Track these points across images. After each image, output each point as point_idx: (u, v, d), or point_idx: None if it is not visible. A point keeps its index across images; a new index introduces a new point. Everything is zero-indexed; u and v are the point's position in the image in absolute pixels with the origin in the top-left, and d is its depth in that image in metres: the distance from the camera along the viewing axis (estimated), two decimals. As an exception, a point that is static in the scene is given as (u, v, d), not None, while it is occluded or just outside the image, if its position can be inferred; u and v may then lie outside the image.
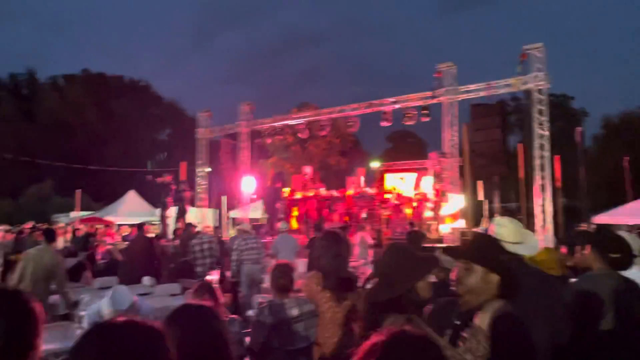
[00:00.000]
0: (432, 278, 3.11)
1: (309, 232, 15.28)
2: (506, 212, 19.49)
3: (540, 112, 13.75)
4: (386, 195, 17.64)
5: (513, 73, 14.16)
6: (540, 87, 13.77)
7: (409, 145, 45.61)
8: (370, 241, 11.80)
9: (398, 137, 50.03)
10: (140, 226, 9.91)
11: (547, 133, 13.70)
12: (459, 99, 15.17)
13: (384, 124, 16.55)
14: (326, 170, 35.56)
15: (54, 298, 6.35)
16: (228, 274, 8.86)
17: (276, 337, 3.10)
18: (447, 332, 2.09)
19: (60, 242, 13.58)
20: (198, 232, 10.40)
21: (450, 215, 15.04)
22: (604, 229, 8.86)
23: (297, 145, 33.97)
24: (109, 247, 11.92)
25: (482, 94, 14.81)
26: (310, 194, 18.19)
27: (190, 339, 1.33)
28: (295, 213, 18.61)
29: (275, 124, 19.27)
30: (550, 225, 13.33)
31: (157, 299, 6.48)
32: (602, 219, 14.40)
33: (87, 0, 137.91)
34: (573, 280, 3.79)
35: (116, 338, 1.03)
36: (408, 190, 18.89)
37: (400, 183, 20.37)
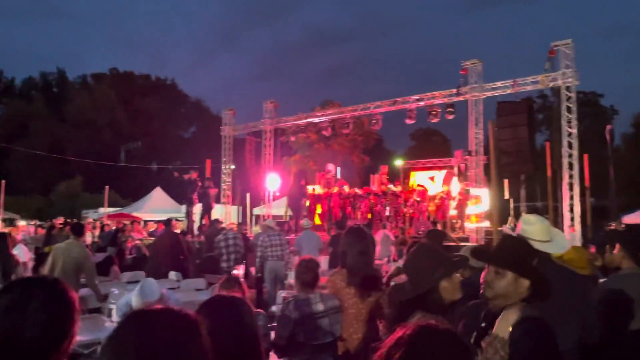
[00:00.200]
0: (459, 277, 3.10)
1: (330, 229, 15.30)
2: (532, 211, 19.16)
3: (569, 110, 13.49)
4: (411, 194, 17.53)
5: (540, 70, 13.93)
6: (568, 85, 13.50)
7: (433, 143, 45.22)
8: (393, 239, 11.77)
9: (422, 135, 49.67)
10: (167, 222, 10.05)
11: (575, 131, 13.43)
12: (485, 97, 14.98)
13: (409, 121, 16.45)
14: (349, 168, 35.49)
15: (84, 291, 6.51)
16: (252, 269, 8.96)
17: (301, 331, 3.13)
18: (474, 334, 2.07)
19: (89, 238, 13.91)
20: (223, 229, 10.53)
21: (475, 214, 14.87)
22: (634, 228, 8.66)
23: (321, 143, 33.97)
24: (137, 242, 12.14)
25: (508, 91, 14.59)
26: (335, 190, 18.19)
27: (221, 329, 1.36)
28: (318, 210, 18.64)
29: (299, 121, 19.32)
30: (578, 225, 13.08)
31: (183, 293, 6.60)
32: (631, 218, 14.07)
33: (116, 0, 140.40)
34: (602, 280, 3.74)
35: (154, 324, 1.06)
36: (434, 189, 18.72)
37: (430, 183, 20.15)
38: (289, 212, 19.73)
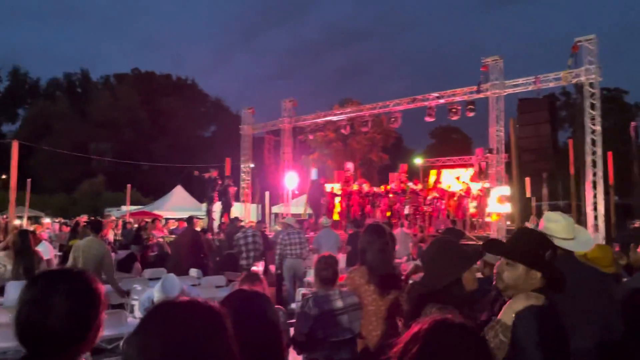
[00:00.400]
0: (478, 274, 3.09)
1: (347, 228, 15.28)
2: (555, 210, 18.86)
3: (592, 107, 13.24)
4: (430, 192, 17.42)
5: (563, 66, 13.69)
6: (591, 81, 13.25)
7: (453, 141, 44.83)
8: (413, 237, 11.71)
9: (442, 133, 49.28)
10: (189, 220, 10.14)
11: (599, 128, 13.18)
12: (506, 94, 14.80)
13: (428, 119, 16.34)
14: (368, 166, 35.42)
15: (106, 287, 6.61)
16: (272, 267, 9.01)
17: (320, 328, 3.14)
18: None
19: (111, 235, 14.13)
20: (242, 227, 10.60)
21: (496, 212, 14.71)
22: (661, 227, 8.47)
23: (339, 141, 33.98)
24: (160, 240, 12.30)
25: (530, 88, 14.38)
26: (355, 187, 18.18)
27: (244, 322, 1.37)
28: (337, 209, 18.65)
29: (318, 120, 19.35)
30: (602, 224, 12.84)
31: (203, 290, 6.66)
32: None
33: (138, 1, 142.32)
34: (626, 279, 3.67)
35: (180, 315, 1.07)
36: (454, 187, 18.54)
37: (455, 182, 19.90)
38: (309, 210, 19.78)
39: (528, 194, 18.81)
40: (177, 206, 26.30)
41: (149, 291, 3.33)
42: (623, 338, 2.61)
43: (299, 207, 21.51)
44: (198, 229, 11.96)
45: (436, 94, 16.16)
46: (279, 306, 4.00)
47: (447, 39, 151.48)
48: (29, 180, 20.28)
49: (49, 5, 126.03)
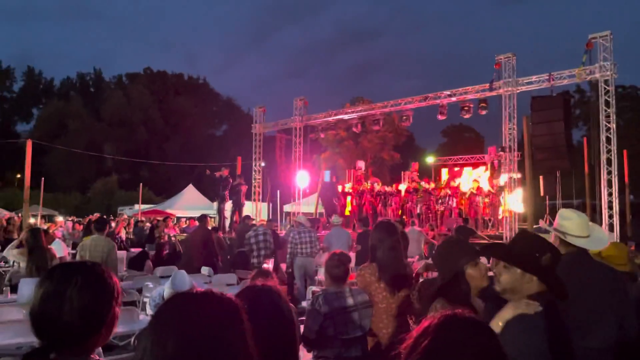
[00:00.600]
0: (491, 273, 3.06)
1: (356, 227, 15.25)
2: (569, 208, 18.67)
3: (607, 104, 13.06)
4: (444, 189, 17.34)
5: (577, 63, 13.51)
6: (606, 78, 13.06)
7: (465, 140, 44.61)
8: (425, 236, 11.65)
9: (454, 131, 49.06)
10: (201, 218, 10.18)
11: (614, 126, 13.00)
12: (519, 91, 14.65)
13: (440, 117, 16.23)
14: (379, 164, 35.35)
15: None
16: (283, 265, 9.02)
17: (330, 325, 3.13)
18: None
19: (123, 233, 14.26)
20: (253, 225, 10.62)
21: (509, 210, 14.58)
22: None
23: (350, 140, 33.94)
24: (173, 238, 12.38)
25: (543, 85, 14.22)
26: (367, 185, 18.16)
27: (259, 315, 1.36)
28: (349, 207, 18.65)
29: (329, 118, 19.33)
30: (616, 223, 12.68)
31: (214, 288, 6.68)
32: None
33: (150, 0, 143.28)
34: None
35: (196, 306, 1.07)
36: (467, 185, 18.42)
37: (469, 181, 19.74)
38: (320, 209, 19.78)
39: (542, 193, 18.62)
40: (188, 205, 26.50)
41: (159, 287, 3.35)
42: (638, 337, 2.56)
43: (310, 205, 21.52)
44: (210, 227, 12.02)
45: (448, 92, 16.05)
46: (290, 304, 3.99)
47: (460, 37, 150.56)
48: (42, 179, 20.53)
49: (62, 6, 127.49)
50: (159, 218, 19.33)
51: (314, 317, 3.14)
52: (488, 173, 19.80)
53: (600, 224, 12.54)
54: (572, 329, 2.28)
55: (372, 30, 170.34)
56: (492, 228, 16.21)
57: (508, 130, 14.63)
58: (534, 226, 11.16)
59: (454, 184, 17.74)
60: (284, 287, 8.39)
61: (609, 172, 12.96)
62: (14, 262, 6.96)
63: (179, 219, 24.34)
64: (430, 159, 26.76)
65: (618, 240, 10.39)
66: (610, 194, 12.89)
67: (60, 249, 7.97)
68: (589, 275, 2.59)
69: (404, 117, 17.30)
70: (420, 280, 3.68)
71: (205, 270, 8.09)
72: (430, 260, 6.17)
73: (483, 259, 2.82)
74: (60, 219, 21.69)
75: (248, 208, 17.90)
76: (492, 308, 2.05)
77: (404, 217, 16.28)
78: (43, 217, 21.51)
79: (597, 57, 13.16)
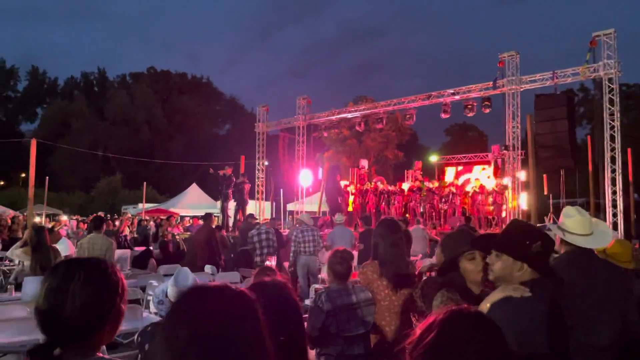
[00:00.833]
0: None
1: (357, 226, 15.23)
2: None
3: (611, 102, 13.02)
4: (448, 188, 17.32)
5: (581, 61, 13.46)
6: (610, 76, 13.02)
7: (469, 139, 44.52)
8: (429, 235, 11.62)
9: (457, 130, 48.96)
10: (207, 217, 10.19)
11: (618, 124, 12.95)
12: (522, 89, 14.61)
13: (444, 115, 16.20)
14: (382, 163, 35.29)
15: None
16: (286, 264, 9.02)
17: (333, 323, 3.12)
18: None
19: (127, 232, 14.29)
20: (257, 224, 10.62)
21: (513, 207, 14.56)
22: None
23: (354, 138, 33.88)
24: (177, 237, 12.41)
25: (547, 83, 14.18)
26: (370, 185, 18.14)
27: (269, 308, 1.37)
28: (352, 206, 18.65)
29: (332, 117, 19.32)
30: (621, 221, 12.63)
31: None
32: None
33: (154, 0, 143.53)
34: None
35: (210, 299, 1.07)
36: (470, 184, 18.39)
37: (474, 179, 19.66)
38: (324, 208, 19.78)
39: (545, 191, 18.56)
40: (192, 204, 26.54)
41: (162, 285, 3.35)
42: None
43: (313, 204, 21.52)
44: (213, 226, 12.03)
45: (451, 91, 16.02)
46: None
47: (463, 36, 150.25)
48: (47, 178, 20.59)
49: (66, 6, 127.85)
50: (162, 217, 19.37)
51: (316, 315, 3.14)
52: (488, 172, 19.76)
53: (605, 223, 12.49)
54: (576, 326, 2.28)
55: (375, 29, 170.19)
56: (495, 227, 16.17)
57: (512, 129, 14.61)
58: (539, 224, 11.13)
59: (457, 182, 17.71)
60: (287, 285, 8.40)
61: (613, 171, 12.91)
62: (19, 261, 6.99)
63: (182, 217, 24.38)
64: (433, 158, 26.71)
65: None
66: (614, 193, 12.85)
67: (66, 248, 7.98)
68: (593, 273, 2.58)
69: (408, 116, 17.28)
70: (424, 278, 3.67)
71: (208, 268, 8.11)
72: (434, 259, 6.15)
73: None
74: (64, 218, 21.79)
75: (251, 207, 17.91)
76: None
77: (407, 215, 16.25)
78: (47, 216, 21.58)
79: (601, 55, 13.12)
